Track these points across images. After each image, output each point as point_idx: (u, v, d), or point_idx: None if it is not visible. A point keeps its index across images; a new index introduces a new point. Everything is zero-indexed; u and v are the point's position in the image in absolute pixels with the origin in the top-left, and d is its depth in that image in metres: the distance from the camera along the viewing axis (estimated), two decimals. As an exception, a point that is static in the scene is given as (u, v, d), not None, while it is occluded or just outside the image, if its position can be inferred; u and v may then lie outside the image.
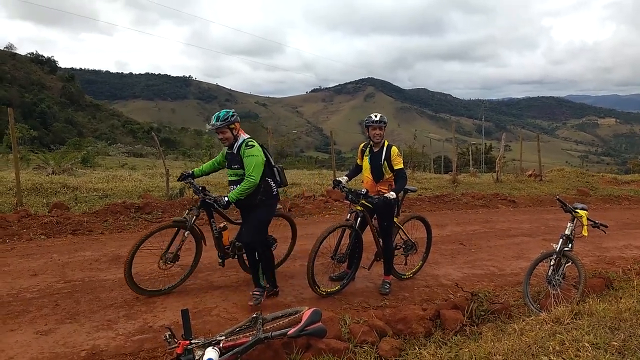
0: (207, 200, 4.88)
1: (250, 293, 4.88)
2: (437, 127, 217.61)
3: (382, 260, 5.47)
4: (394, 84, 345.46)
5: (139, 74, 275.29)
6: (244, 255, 5.16)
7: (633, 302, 4.27)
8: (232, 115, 4.72)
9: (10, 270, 5.70)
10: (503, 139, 20.25)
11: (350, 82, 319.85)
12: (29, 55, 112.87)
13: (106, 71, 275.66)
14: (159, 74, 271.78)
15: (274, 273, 5.10)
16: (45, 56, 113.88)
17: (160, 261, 4.86)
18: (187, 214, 4.97)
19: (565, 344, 3.28)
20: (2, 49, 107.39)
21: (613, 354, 3.11)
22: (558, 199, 5.36)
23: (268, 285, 5.01)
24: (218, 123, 4.65)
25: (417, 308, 4.48)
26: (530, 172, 19.20)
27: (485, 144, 49.02)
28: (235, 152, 4.77)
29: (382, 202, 4.94)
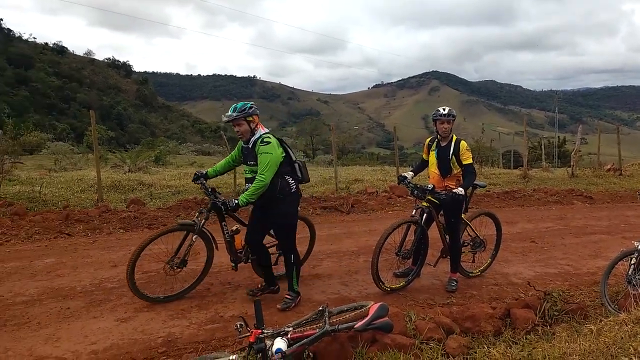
0: (217, 202, 4.64)
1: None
2: (505, 120, 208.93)
3: (448, 257, 5.37)
4: (459, 76, 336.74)
5: (207, 75, 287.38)
6: (256, 259, 4.94)
7: None
8: (250, 107, 4.47)
9: (92, 261, 6.13)
10: (579, 131, 19.13)
11: (414, 76, 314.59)
12: (106, 60, 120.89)
13: (176, 73, 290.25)
14: (226, 74, 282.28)
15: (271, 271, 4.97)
16: (121, 61, 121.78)
17: (167, 266, 4.68)
18: (196, 217, 4.77)
19: (647, 345, 3.07)
20: (82, 55, 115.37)
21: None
22: (640, 195, 5.02)
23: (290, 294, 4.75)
24: (234, 114, 4.40)
25: (485, 306, 4.36)
26: (608, 167, 18.01)
27: (558, 137, 46.43)
28: (250, 147, 4.52)
29: (450, 198, 4.83)
